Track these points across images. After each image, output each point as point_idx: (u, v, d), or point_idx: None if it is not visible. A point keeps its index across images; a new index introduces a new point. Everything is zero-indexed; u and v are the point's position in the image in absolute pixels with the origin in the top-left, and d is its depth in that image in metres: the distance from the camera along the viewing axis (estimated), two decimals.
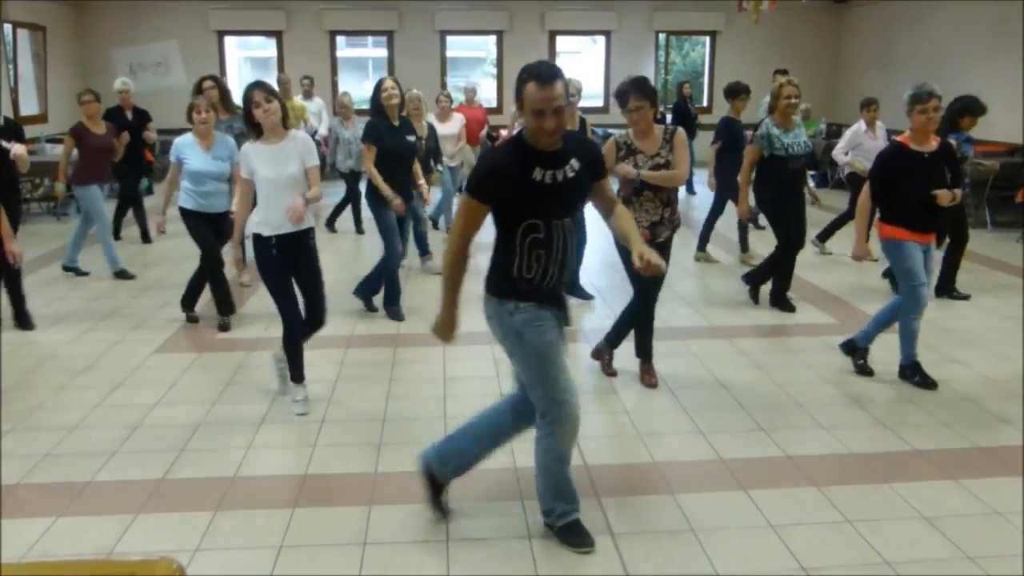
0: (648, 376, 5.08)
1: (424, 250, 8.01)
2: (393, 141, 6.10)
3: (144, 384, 5.10)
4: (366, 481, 3.88)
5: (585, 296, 6.84)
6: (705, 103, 15.74)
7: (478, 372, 5.33)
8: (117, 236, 8.96)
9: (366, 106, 6.70)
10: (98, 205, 7.58)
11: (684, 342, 5.83)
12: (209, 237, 6.01)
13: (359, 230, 9.89)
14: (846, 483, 3.86)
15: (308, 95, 11.72)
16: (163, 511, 3.62)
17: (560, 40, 15.75)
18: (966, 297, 6.97)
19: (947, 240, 6.95)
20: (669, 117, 12.88)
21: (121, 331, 6.12)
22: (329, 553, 3.31)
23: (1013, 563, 3.23)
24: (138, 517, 3.56)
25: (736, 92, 8.29)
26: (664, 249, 4.84)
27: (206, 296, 6.29)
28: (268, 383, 5.05)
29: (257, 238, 4.54)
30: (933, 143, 4.92)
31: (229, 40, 15.52)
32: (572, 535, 3.36)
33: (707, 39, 16.15)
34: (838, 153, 8.70)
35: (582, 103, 7.28)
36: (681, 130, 4.93)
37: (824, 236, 8.75)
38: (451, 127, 9.41)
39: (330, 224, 9.93)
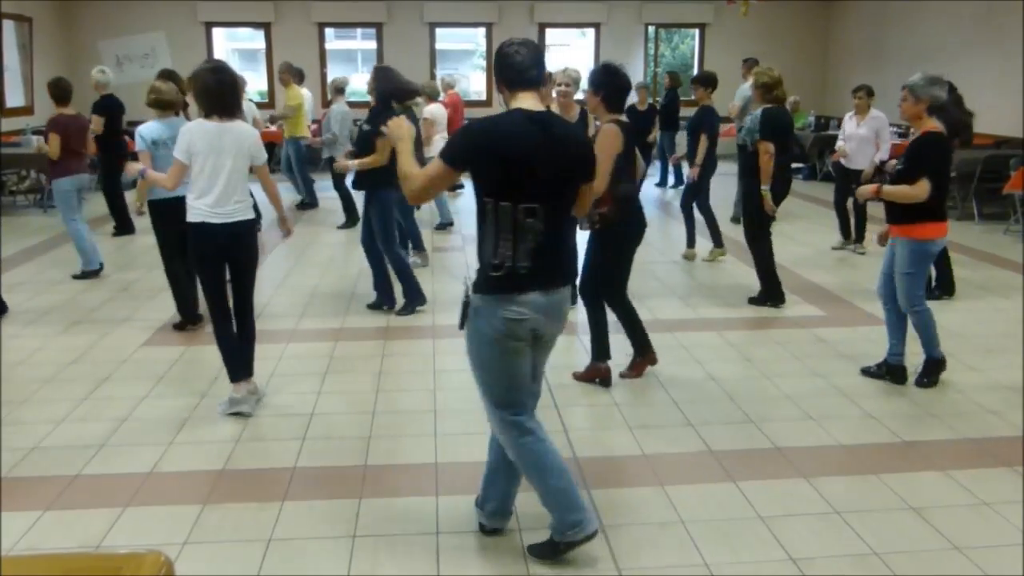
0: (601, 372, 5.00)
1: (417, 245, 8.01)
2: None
3: (132, 377, 5.08)
4: (356, 474, 3.88)
5: None
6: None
7: (468, 365, 5.30)
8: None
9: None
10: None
11: (674, 334, 5.84)
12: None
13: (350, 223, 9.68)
14: (835, 474, 3.88)
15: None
16: (151, 504, 3.61)
17: (549, 32, 15.73)
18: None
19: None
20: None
21: (109, 324, 6.08)
22: (318, 546, 3.30)
23: (1002, 553, 3.25)
24: (126, 510, 3.54)
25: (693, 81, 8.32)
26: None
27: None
28: (257, 376, 5.03)
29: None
30: None
31: (217, 32, 15.44)
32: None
33: (696, 32, 16.16)
34: (840, 141, 8.68)
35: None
36: (605, 128, 4.56)
37: (860, 237, 8.60)
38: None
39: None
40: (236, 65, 19.82)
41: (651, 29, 15.84)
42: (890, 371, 5.02)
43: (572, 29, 17.41)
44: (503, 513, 3.34)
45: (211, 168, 4.33)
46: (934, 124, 4.70)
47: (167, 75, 7.19)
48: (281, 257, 8.30)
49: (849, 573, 3.13)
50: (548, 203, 2.94)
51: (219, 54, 15.70)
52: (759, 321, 6.29)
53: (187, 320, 5.94)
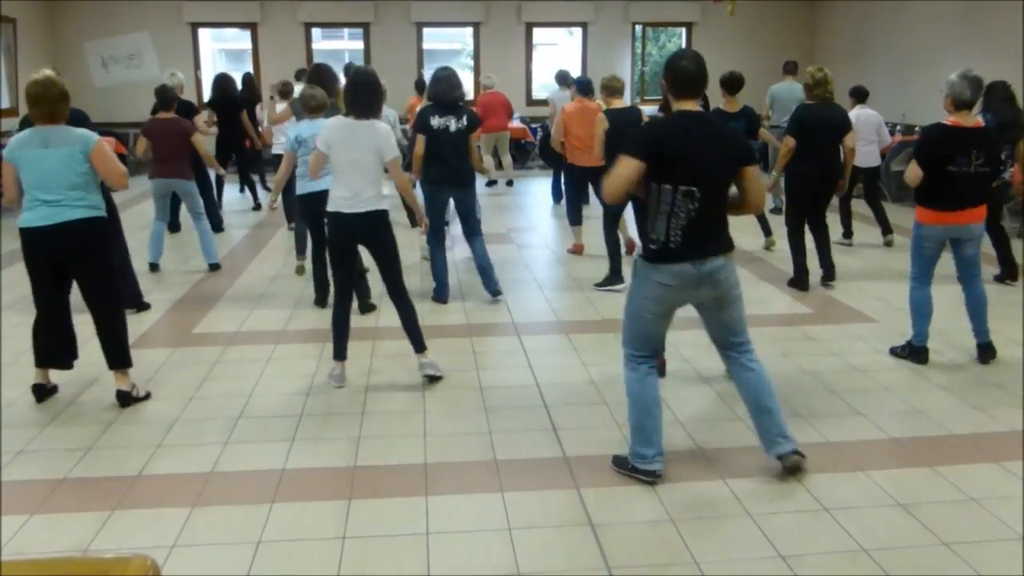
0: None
1: None
2: None
3: None
4: (345, 475, 3.87)
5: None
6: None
7: (457, 365, 5.31)
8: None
9: None
10: None
11: None
12: None
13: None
14: (823, 471, 3.89)
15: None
16: (140, 507, 3.59)
17: (536, 32, 15.73)
18: None
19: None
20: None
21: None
22: (308, 548, 3.29)
23: (990, 549, 3.26)
24: (114, 513, 3.53)
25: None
26: None
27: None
28: (245, 377, 5.02)
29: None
30: None
31: (203, 32, 15.37)
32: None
33: (683, 30, 16.18)
34: None
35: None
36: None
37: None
38: None
39: None
40: (222, 66, 19.85)
41: (638, 28, 15.86)
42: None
43: (559, 28, 17.44)
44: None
45: (342, 161, 4.72)
46: (956, 118, 5.02)
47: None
48: (280, 255, 8.28)
49: (838, 569, 3.14)
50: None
51: (205, 55, 15.64)
52: (748, 319, 6.28)
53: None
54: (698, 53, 3.70)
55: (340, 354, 4.96)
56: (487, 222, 9.98)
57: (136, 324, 6.06)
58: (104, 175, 4.49)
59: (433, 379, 4.94)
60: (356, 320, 6.16)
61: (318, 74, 6.72)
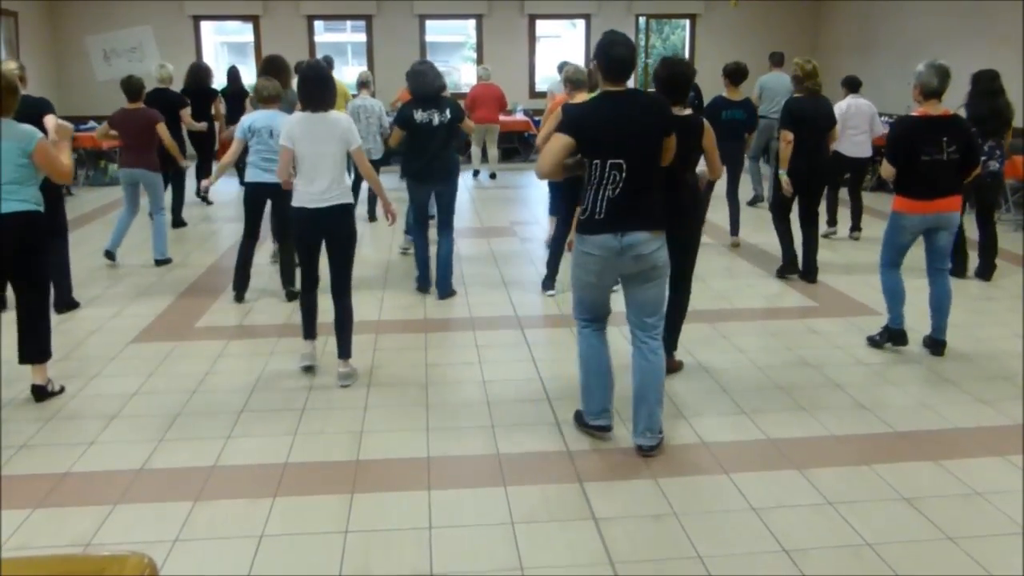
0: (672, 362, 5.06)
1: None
2: None
3: (122, 374, 5.05)
4: (348, 469, 3.86)
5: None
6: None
7: (460, 359, 5.31)
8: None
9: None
10: None
11: None
12: None
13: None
14: (827, 465, 3.88)
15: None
16: (142, 501, 3.59)
17: (540, 24, 15.68)
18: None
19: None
20: None
21: (98, 320, 6.05)
22: (310, 542, 3.29)
23: (994, 543, 3.25)
24: (116, 508, 3.52)
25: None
26: None
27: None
28: (248, 371, 5.01)
29: None
30: None
31: (205, 25, 15.34)
32: None
33: (687, 22, 16.13)
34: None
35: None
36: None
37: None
38: None
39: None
40: (224, 58, 19.82)
41: (642, 20, 15.80)
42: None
43: (562, 21, 17.39)
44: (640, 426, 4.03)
45: (307, 155, 4.71)
46: (924, 108, 5.08)
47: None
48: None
49: (842, 564, 3.13)
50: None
51: (207, 48, 15.60)
52: (751, 312, 6.29)
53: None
54: (627, 37, 3.85)
55: (309, 333, 5.11)
56: (489, 216, 9.99)
57: (139, 319, 6.07)
58: (48, 172, 4.49)
59: (344, 387, 4.87)
60: (359, 315, 6.16)
61: (272, 65, 6.69)
